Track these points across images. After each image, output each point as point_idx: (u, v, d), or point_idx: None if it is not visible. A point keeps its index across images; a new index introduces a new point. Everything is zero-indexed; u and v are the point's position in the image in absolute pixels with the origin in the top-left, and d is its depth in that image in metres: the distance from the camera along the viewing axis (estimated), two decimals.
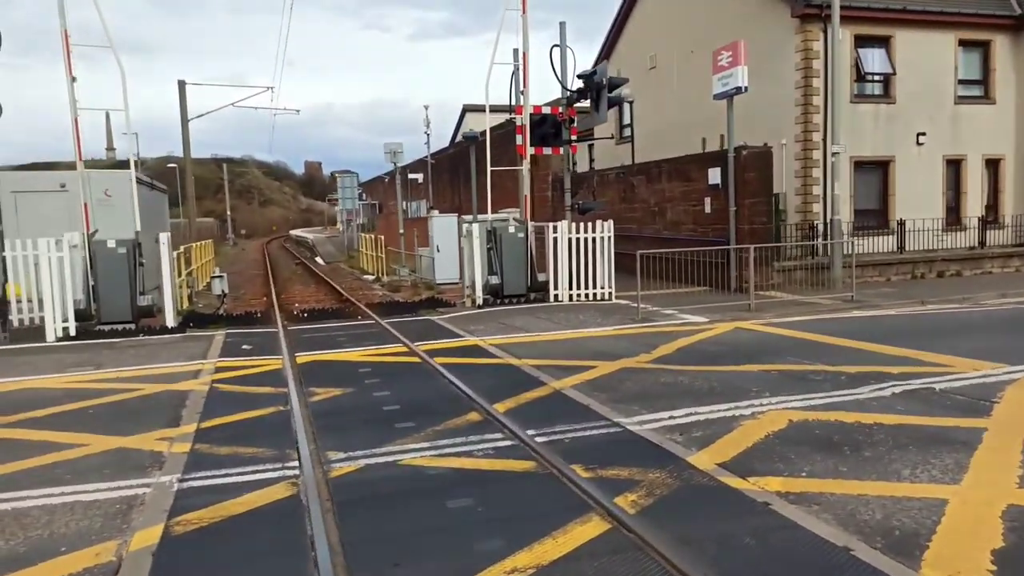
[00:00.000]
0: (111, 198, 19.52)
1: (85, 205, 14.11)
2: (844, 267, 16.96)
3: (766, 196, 17.36)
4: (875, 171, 22.44)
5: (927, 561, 4.30)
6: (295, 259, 39.08)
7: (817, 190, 21.43)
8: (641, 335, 12.15)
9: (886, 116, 22.31)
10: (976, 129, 22.74)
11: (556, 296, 16.08)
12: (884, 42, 22.12)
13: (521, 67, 16.28)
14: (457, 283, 18.75)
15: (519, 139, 16.83)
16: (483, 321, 14.01)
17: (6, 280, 13.62)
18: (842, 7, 20.66)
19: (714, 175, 17.91)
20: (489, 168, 16.36)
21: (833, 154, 17.85)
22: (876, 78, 22.36)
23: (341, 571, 4.43)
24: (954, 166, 22.96)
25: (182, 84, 32.84)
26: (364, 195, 56.85)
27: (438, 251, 21.87)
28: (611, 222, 16.46)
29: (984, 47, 22.83)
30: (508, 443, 6.72)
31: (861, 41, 21.93)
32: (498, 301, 16.04)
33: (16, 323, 14.43)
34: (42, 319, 13.34)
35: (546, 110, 17.66)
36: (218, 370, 10.38)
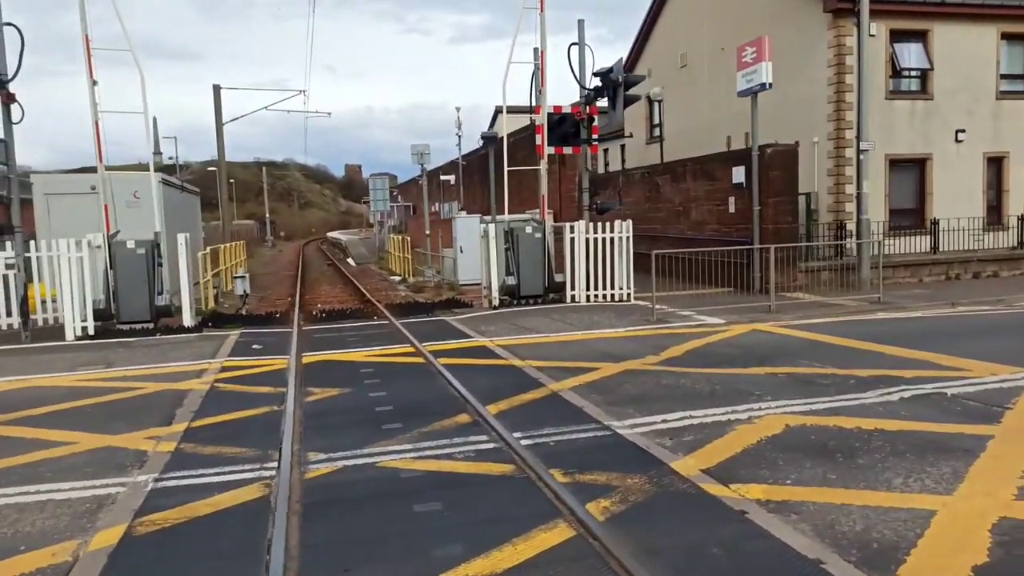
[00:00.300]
0: (139, 200, 19.77)
1: (106, 207, 14.27)
2: (872, 268, 16.47)
3: (791, 195, 16.94)
4: (911, 169, 21.79)
5: None
6: (327, 260, 39.39)
7: (850, 189, 20.85)
8: (653, 337, 11.91)
9: (923, 112, 21.66)
10: (1020, 125, 21.94)
11: (573, 297, 15.88)
12: (921, 36, 21.47)
13: (539, 66, 16.10)
14: (480, 284, 18.65)
15: (539, 139, 16.68)
16: (496, 322, 13.88)
17: (29, 280, 13.88)
18: (877, 1, 20.18)
19: (738, 174, 17.55)
20: (506, 168, 16.22)
21: (862, 151, 17.33)
22: (912, 73, 21.73)
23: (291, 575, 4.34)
24: (995, 163, 22.18)
25: (217, 88, 33.34)
26: (399, 197, 57.26)
27: (461, 252, 21.80)
28: (630, 222, 16.20)
29: None
30: (491, 446, 6.58)
31: (897, 36, 21.31)
32: (515, 302, 15.90)
33: (40, 322, 14.72)
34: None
35: (568, 110, 17.47)
36: (223, 369, 10.41)
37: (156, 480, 5.97)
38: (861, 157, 17.40)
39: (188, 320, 14.11)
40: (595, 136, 17.45)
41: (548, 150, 16.92)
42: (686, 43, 27.85)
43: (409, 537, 4.81)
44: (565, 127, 16.96)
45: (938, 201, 21.54)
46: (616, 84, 14.82)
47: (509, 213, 16.44)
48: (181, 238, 14.23)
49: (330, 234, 73.67)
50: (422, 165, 26.55)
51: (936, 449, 6.03)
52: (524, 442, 6.58)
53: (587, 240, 15.83)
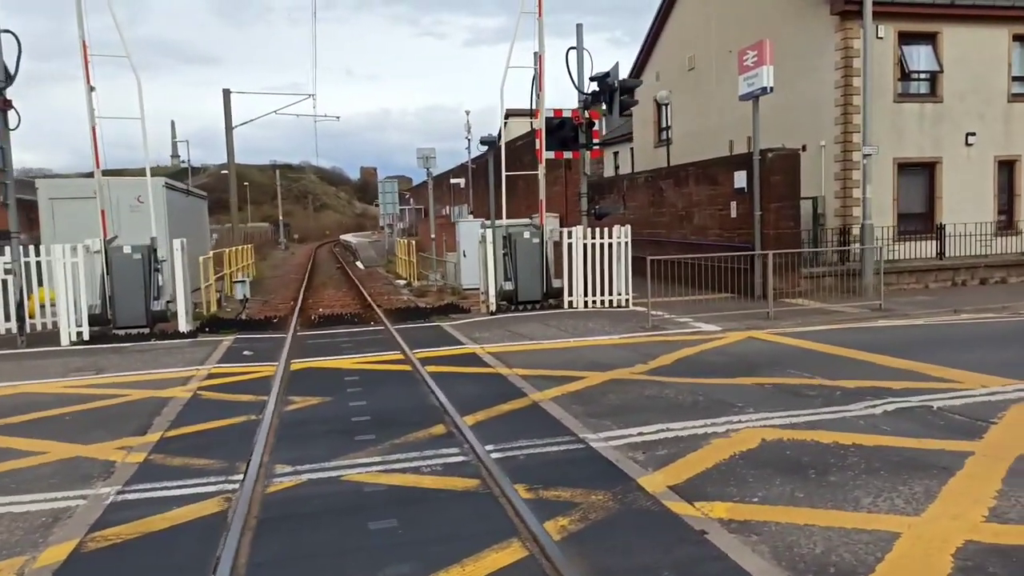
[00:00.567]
0: (143, 204, 19.85)
1: (103, 212, 14.32)
2: (876, 273, 16.23)
3: (793, 200, 16.73)
4: (920, 173, 21.48)
5: None
6: (337, 264, 39.45)
7: (857, 193, 20.58)
8: (645, 344, 11.77)
9: (932, 115, 21.35)
10: None
11: (571, 303, 15.76)
12: (930, 39, 21.17)
13: (537, 70, 15.99)
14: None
15: (538, 143, 16.58)
16: (490, 328, 13.79)
17: (29, 286, 13.94)
18: (885, 3, 19.93)
19: (740, 178, 17.36)
20: (504, 173, 16.14)
21: (865, 155, 17.10)
22: (922, 76, 21.43)
23: None
24: (1007, 167, 21.83)
25: (227, 92, 33.47)
26: (411, 200, 57.28)
27: (464, 256, 21.72)
28: (628, 227, 16.07)
29: None
30: (460, 459, 6.49)
31: (905, 38, 21.02)
32: (513, 308, 15.81)
33: (39, 327, 14.78)
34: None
35: (569, 114, 17.34)
36: (210, 376, 10.39)
37: (118, 493, 5.92)
38: (864, 161, 17.17)
39: (183, 325, 14.12)
40: (596, 140, 17.35)
41: (548, 155, 16.86)
42: (694, 46, 27.64)
43: (359, 555, 4.73)
44: (565, 131, 16.84)
45: (948, 205, 21.22)
46: (612, 88, 14.69)
47: (518, 217, 16.37)
48: (176, 243, 14.24)
49: (343, 237, 73.90)
50: (428, 169, 26.48)
51: (912, 466, 5.87)
52: (495, 455, 6.48)
53: (585, 245, 15.70)
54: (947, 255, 19.82)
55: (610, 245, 15.81)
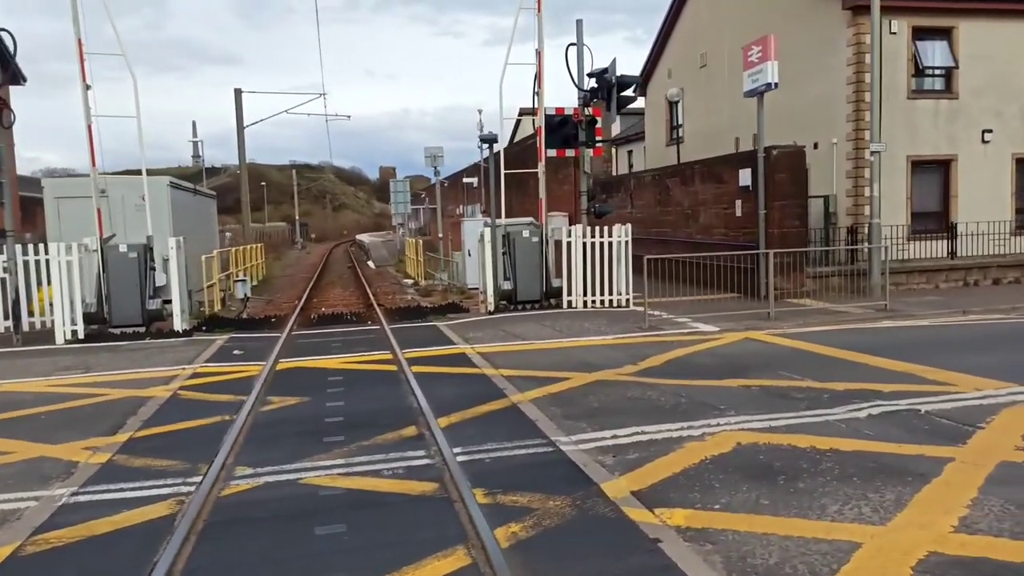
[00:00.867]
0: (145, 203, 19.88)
1: (99, 211, 14.33)
2: (883, 273, 15.87)
3: (798, 198, 16.41)
4: (935, 171, 21.04)
5: None
6: (349, 263, 39.47)
7: (877, 192, 20.24)
8: (639, 345, 11.55)
9: (947, 112, 20.90)
10: None
11: (570, 302, 15.55)
12: (945, 34, 20.73)
13: (536, 67, 15.80)
14: None
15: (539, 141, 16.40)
16: (485, 328, 13.63)
17: (38, 284, 13.98)
18: None
19: (744, 176, 17.06)
20: (503, 171, 15.97)
21: (872, 153, 16.74)
22: (936, 72, 20.98)
23: None
24: None
25: (238, 92, 33.59)
26: (427, 199, 57.24)
27: (469, 255, 21.56)
28: (629, 226, 15.84)
29: None
30: (425, 462, 6.33)
31: (920, 33, 20.59)
32: (512, 307, 15.64)
33: (38, 325, 14.79)
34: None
35: (572, 112, 17.14)
36: (194, 376, 10.31)
37: (73, 494, 5.82)
38: (871, 159, 16.82)
39: (179, 324, 14.08)
40: (599, 138, 17.14)
41: (550, 153, 16.68)
42: (706, 42, 27.30)
43: (298, 563, 4.59)
44: (567, 129, 16.64)
45: (963, 204, 20.76)
46: (610, 85, 14.47)
47: (527, 216, 16.20)
48: (172, 242, 14.21)
49: (358, 236, 74.09)
50: (435, 168, 26.37)
51: (887, 473, 5.63)
52: (461, 458, 6.32)
53: (585, 244, 15.49)
54: (960, 255, 19.38)
55: (610, 244, 15.59)
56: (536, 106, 16.09)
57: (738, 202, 17.47)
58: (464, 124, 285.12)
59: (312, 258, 49.03)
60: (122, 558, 4.72)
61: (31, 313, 14.49)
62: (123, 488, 5.95)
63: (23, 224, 26.72)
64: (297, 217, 77.53)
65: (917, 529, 4.63)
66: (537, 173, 16.16)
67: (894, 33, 20.40)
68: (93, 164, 14.30)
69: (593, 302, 15.63)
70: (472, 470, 6.05)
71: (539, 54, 15.65)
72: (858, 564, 4.22)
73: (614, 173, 39.91)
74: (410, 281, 26.41)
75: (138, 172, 15.07)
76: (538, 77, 15.79)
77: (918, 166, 20.70)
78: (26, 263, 14.16)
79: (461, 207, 45.13)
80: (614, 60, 14.45)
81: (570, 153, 17.48)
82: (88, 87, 13.89)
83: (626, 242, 15.59)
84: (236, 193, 48.89)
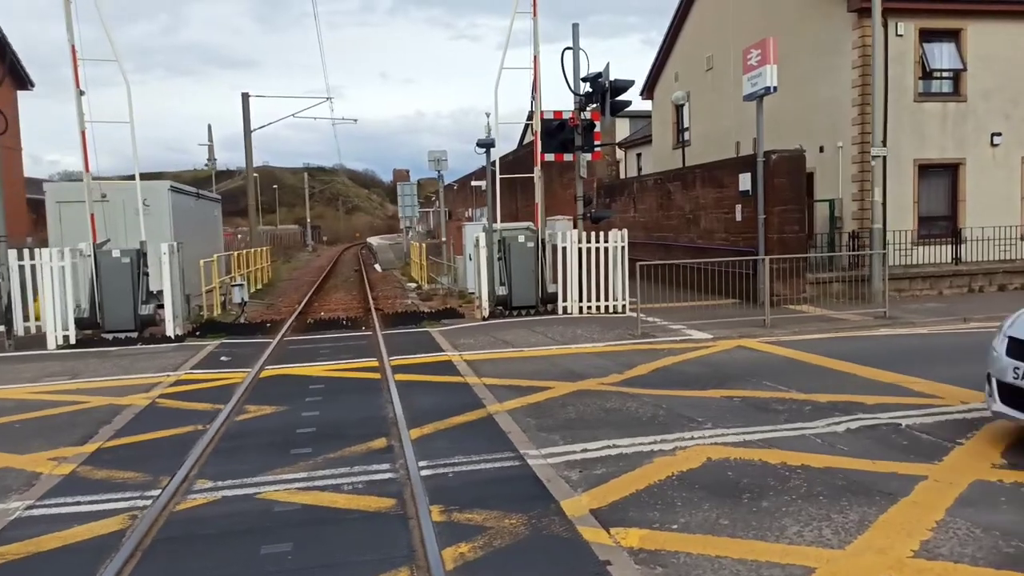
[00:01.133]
0: (149, 207, 19.90)
1: (92, 216, 14.36)
2: (884, 279, 15.60)
3: (797, 203, 16.17)
4: (943, 175, 20.74)
5: None
6: (356, 267, 39.50)
7: (879, 196, 19.96)
8: (628, 353, 11.39)
9: (955, 115, 20.60)
10: None
11: (565, 308, 15.41)
12: (953, 36, 20.43)
13: (533, 72, 15.68)
14: None
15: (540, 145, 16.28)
16: (477, 334, 13.51)
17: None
18: None
19: (744, 181, 16.85)
20: (499, 175, 15.87)
21: (873, 157, 16.50)
22: (944, 75, 20.68)
23: None
24: None
25: (245, 96, 33.70)
26: (436, 202, 57.11)
27: (470, 259, 21.45)
28: (625, 231, 15.68)
29: None
30: (387, 476, 6.23)
31: (927, 35, 20.31)
32: (508, 313, 15.51)
33: (33, 330, 14.82)
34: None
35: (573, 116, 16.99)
36: (177, 383, 10.26)
37: (28, 508, 5.76)
38: (873, 163, 16.57)
39: (171, 330, 14.06)
40: (598, 142, 16.98)
41: (548, 157, 16.56)
42: (712, 45, 27.08)
43: None
44: (565, 133, 16.49)
45: (971, 208, 20.44)
46: (604, 89, 14.32)
47: (531, 221, 16.10)
48: (164, 247, 14.19)
49: (369, 239, 74.24)
50: (439, 172, 26.30)
51: (855, 491, 5.46)
52: (425, 472, 6.21)
53: (580, 249, 15.35)
54: (965, 260, 19.08)
55: (606, 249, 15.43)
56: (537, 111, 15.97)
57: (738, 207, 17.26)
58: (479, 127, 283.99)
59: (320, 261, 49.14)
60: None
61: (26, 318, 14.52)
62: (80, 502, 5.88)
63: (35, 227, 26.93)
64: (308, 220, 77.74)
65: (875, 554, 4.46)
66: (541, 177, 16.05)
67: (901, 35, 20.14)
68: (87, 169, 14.34)
69: (589, 308, 15.48)
70: (433, 485, 5.93)
71: (536, 59, 15.53)
72: None
73: (622, 176, 39.73)
74: (413, 285, 26.35)
75: (152, 176, 15.10)
76: (534, 82, 15.67)
77: (925, 170, 20.41)
78: (21, 268, 14.22)
79: (470, 210, 45.03)
80: (607, 64, 14.30)
81: (568, 158, 17.34)
82: (82, 93, 13.92)
83: (622, 247, 15.43)
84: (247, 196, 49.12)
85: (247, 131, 33.62)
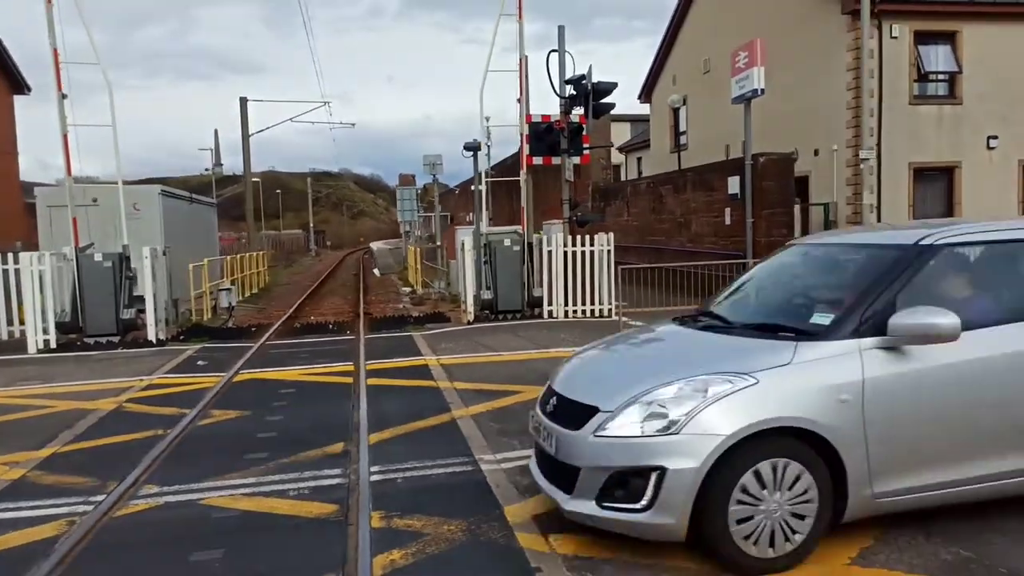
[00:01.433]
0: (139, 212, 19.86)
1: (74, 220, 14.32)
2: None
3: (785, 207, 16.06)
4: (939, 179, 20.60)
5: None
6: (355, 271, 39.49)
7: (867, 199, 19.81)
8: None
9: (951, 118, 20.46)
10: None
11: (550, 312, 15.30)
12: (949, 38, 20.30)
13: (519, 75, 15.61)
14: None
15: (528, 148, 16.21)
16: (459, 339, 13.41)
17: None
18: (900, 1, 19.16)
19: (733, 184, 16.74)
20: (485, 179, 15.79)
21: (862, 159, 16.36)
22: (939, 77, 20.55)
23: None
24: None
25: (243, 101, 33.79)
26: (440, 206, 57.09)
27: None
28: (611, 235, 15.58)
29: None
30: (335, 481, 6.13)
31: (922, 37, 20.19)
32: (493, 317, 15.41)
33: (17, 334, 14.78)
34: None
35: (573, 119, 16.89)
36: (148, 387, 10.19)
37: None
38: (863, 166, 16.42)
39: (152, 334, 14.01)
40: (586, 145, 16.90)
41: (537, 160, 16.48)
42: (709, 48, 26.97)
43: None
44: (553, 136, 16.42)
45: (967, 212, 20.31)
46: (586, 92, 14.23)
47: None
48: (147, 251, 14.15)
49: (372, 244, 74.37)
50: (434, 176, 26.27)
51: None
52: (375, 477, 6.11)
53: (566, 253, 15.24)
54: None
55: (592, 253, 15.32)
56: (529, 114, 15.90)
57: (727, 210, 17.15)
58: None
59: (321, 266, 49.17)
60: None
61: (10, 322, 14.51)
62: (21, 507, 5.79)
63: (34, 231, 26.98)
64: (312, 224, 77.93)
65: (813, 565, 4.33)
66: (528, 180, 15.97)
67: (895, 37, 20.02)
68: (68, 173, 14.30)
69: (575, 312, 15.37)
70: (380, 490, 5.83)
71: (521, 62, 15.46)
72: None
73: (623, 179, 39.63)
74: (408, 289, 26.30)
75: (160, 181, 15.08)
76: (520, 85, 15.60)
77: (921, 173, 20.29)
78: (5, 272, 14.21)
79: (471, 214, 45.00)
80: (590, 67, 14.25)
81: (556, 161, 17.27)
82: (64, 96, 13.89)
83: (609, 251, 15.32)
84: (253, 200, 49.27)
85: (245, 135, 33.68)
